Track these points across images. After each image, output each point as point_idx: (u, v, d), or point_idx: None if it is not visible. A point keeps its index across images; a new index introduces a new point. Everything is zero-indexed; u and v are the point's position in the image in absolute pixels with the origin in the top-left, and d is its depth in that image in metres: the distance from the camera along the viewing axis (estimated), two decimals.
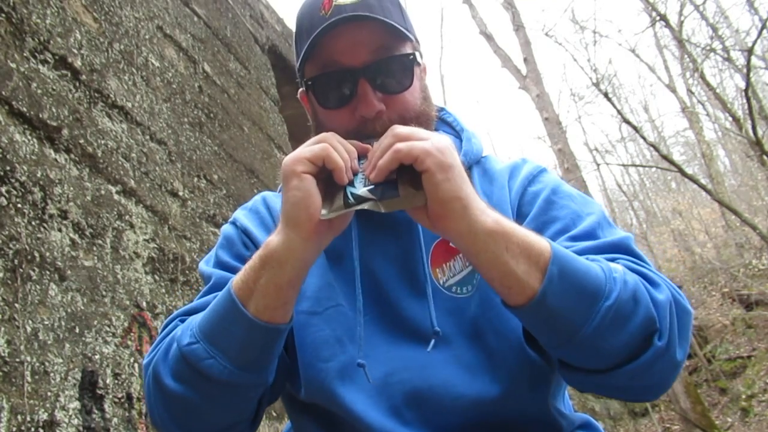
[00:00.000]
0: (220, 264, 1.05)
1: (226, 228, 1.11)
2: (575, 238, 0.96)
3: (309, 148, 0.82)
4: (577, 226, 0.98)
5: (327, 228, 0.83)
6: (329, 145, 0.82)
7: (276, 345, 0.89)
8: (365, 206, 0.80)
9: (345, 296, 0.99)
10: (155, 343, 0.97)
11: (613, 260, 0.89)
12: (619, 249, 0.93)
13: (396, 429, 0.91)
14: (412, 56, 0.99)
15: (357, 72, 0.95)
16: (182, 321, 0.98)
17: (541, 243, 0.83)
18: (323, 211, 0.81)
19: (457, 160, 0.80)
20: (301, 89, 1.08)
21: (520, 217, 1.03)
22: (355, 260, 0.98)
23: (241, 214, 1.12)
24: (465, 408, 0.92)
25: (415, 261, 1.00)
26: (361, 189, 0.81)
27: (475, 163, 1.11)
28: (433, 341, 0.93)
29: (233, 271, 0.97)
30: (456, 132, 1.15)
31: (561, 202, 1.02)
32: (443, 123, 1.17)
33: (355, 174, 0.84)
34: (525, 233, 0.83)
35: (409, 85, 0.98)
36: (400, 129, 0.82)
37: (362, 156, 0.87)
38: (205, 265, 1.08)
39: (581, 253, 0.90)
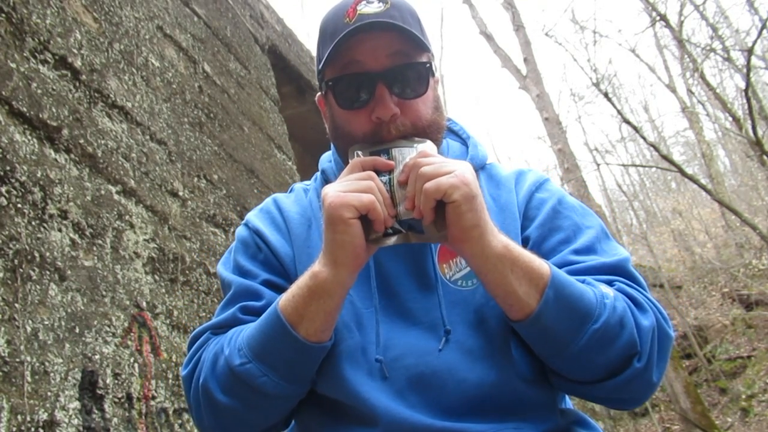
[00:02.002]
0: (238, 268, 1.13)
1: (240, 230, 1.18)
2: (578, 252, 1.05)
3: (357, 195, 0.88)
4: (578, 238, 1.08)
5: (366, 257, 0.92)
6: (374, 199, 0.89)
7: (320, 359, 0.99)
8: (394, 240, 0.93)
9: (353, 289, 1.04)
10: (190, 355, 1.06)
11: (610, 282, 1.00)
12: (617, 271, 1.03)
13: (401, 412, 0.95)
14: (428, 65, 1.04)
15: (376, 76, 0.99)
16: (213, 334, 1.07)
17: (542, 268, 0.93)
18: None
19: (479, 190, 0.89)
20: (319, 93, 1.14)
21: (526, 219, 1.12)
22: (370, 259, 1.05)
23: (252, 215, 1.19)
24: (467, 391, 0.97)
25: (424, 257, 1.07)
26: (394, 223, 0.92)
27: (480, 168, 1.18)
28: (443, 339, 1.00)
29: (250, 275, 1.10)
30: (462, 140, 1.23)
31: (565, 213, 1.11)
32: (450, 132, 1.23)
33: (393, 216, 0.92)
34: (529, 258, 0.93)
35: (424, 92, 1.03)
36: (425, 168, 0.88)
37: (384, 172, 0.94)
38: (224, 269, 1.15)
39: (584, 271, 1.01)
